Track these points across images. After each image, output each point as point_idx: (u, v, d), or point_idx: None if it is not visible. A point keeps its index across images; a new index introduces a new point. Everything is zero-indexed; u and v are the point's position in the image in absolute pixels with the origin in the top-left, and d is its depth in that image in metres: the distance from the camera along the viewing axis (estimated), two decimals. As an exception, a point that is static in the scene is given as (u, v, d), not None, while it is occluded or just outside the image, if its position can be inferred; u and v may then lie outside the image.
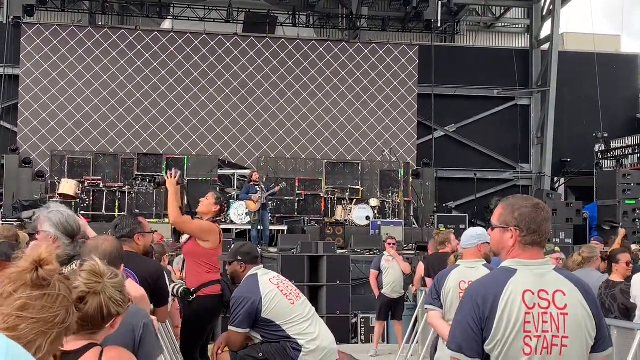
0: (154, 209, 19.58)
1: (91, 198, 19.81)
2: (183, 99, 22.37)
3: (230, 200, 18.91)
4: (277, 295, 5.60)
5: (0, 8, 21.06)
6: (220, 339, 5.81)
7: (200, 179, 20.29)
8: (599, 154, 22.66)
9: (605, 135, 22.12)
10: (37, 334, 2.01)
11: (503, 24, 27.88)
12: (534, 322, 2.89)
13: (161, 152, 21.48)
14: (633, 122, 25.44)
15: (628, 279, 6.98)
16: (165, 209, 7.27)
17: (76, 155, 21.04)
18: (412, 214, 21.57)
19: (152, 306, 5.02)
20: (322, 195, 21.30)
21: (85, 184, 19.72)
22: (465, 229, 6.63)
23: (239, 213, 18.10)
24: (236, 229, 18.41)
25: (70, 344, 2.66)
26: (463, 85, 24.28)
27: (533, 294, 2.92)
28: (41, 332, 2.02)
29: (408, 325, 11.43)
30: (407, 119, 23.44)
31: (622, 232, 10.85)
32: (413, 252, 16.26)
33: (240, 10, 23.22)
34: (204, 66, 22.56)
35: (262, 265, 5.98)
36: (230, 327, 5.61)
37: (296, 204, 21.27)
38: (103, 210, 19.46)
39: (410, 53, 23.70)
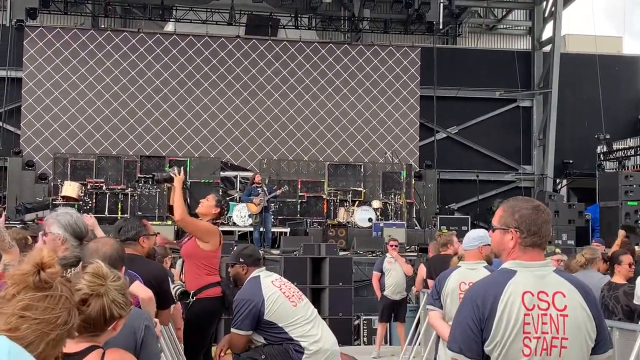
0: (156, 211, 19.59)
1: (94, 200, 19.83)
2: (185, 101, 22.41)
3: (232, 203, 18.94)
4: (280, 297, 5.61)
5: (3, 11, 21.10)
6: (223, 342, 5.82)
7: (203, 181, 20.31)
8: (601, 155, 22.64)
9: (607, 136, 22.12)
10: (39, 335, 2.03)
11: (505, 26, 27.88)
12: (533, 323, 2.90)
13: (164, 154, 21.51)
14: (635, 124, 25.43)
15: (630, 280, 6.97)
16: (168, 210, 7.22)
17: (79, 157, 21.05)
18: (415, 216, 21.57)
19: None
20: (324, 197, 21.29)
21: (88, 187, 19.75)
22: (467, 231, 6.66)
23: (242, 215, 18.12)
24: (238, 231, 18.42)
25: (72, 346, 2.67)
26: (465, 87, 24.28)
27: (532, 295, 2.94)
28: (43, 333, 2.04)
29: (410, 326, 11.44)
30: (409, 120, 23.45)
31: (621, 233, 10.83)
32: (415, 254, 16.27)
33: (242, 12, 23.24)
34: (206, 68, 22.59)
35: (264, 268, 5.99)
36: (232, 330, 5.62)
37: (298, 206, 21.26)
38: (106, 213, 19.46)
39: (412, 55, 23.72)
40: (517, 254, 3.08)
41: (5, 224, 6.35)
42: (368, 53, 23.51)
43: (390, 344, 13.39)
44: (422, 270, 10.74)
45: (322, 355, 5.57)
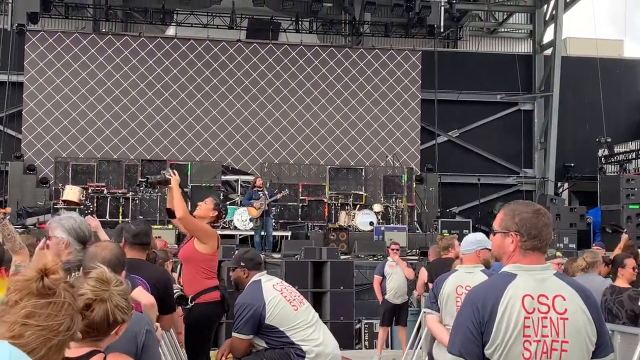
0: (157, 215, 19.58)
1: (95, 204, 19.82)
2: (186, 105, 22.43)
3: (233, 207, 18.93)
4: (281, 301, 5.60)
5: (4, 15, 21.13)
6: (224, 346, 5.82)
7: (204, 184, 20.31)
8: (603, 158, 22.64)
9: (609, 140, 22.11)
10: (42, 341, 2.04)
11: (506, 29, 27.88)
12: (533, 326, 2.90)
13: (165, 158, 21.51)
14: (636, 127, 25.41)
15: (633, 284, 6.96)
16: (167, 214, 7.19)
17: (80, 161, 21.06)
18: (416, 220, 21.54)
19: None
20: (325, 200, 21.28)
21: (89, 191, 19.75)
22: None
23: (242, 219, 18.11)
24: (239, 235, 18.40)
25: (73, 350, 2.67)
26: (466, 91, 24.29)
27: (533, 298, 2.94)
28: (46, 339, 2.04)
29: (412, 330, 11.42)
30: (411, 124, 23.46)
31: (624, 237, 10.82)
32: (416, 257, 16.26)
33: (243, 16, 23.27)
34: (207, 72, 22.61)
35: (265, 272, 5.98)
36: (234, 334, 5.61)
37: (300, 210, 21.25)
38: (107, 217, 19.45)
39: (413, 59, 23.74)
40: (517, 257, 3.09)
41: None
42: (369, 57, 23.53)
43: (391, 348, 13.39)
44: (423, 274, 10.73)
45: (323, 359, 5.57)
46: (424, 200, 21.75)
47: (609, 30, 51.90)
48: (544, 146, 24.28)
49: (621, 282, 6.94)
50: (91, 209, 19.41)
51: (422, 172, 22.83)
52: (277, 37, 23.63)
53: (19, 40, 21.33)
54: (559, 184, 24.33)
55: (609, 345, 3.06)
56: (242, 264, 5.86)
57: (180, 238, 14.56)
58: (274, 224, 18.23)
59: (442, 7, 21.81)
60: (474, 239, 5.81)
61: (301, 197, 21.27)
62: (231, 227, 18.36)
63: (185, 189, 19.83)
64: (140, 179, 7.06)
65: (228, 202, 19.90)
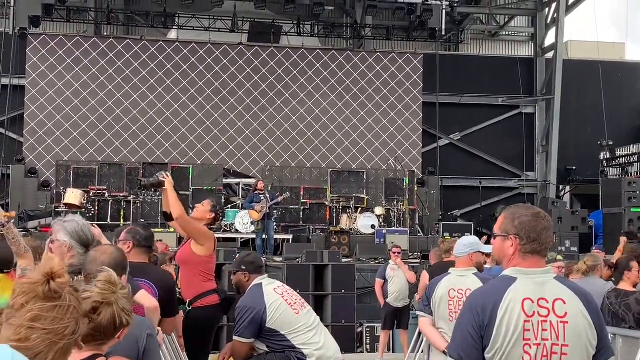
0: (159, 218, 19.57)
1: (96, 208, 19.83)
2: (188, 108, 22.44)
3: (235, 210, 18.94)
4: (282, 305, 5.59)
5: (6, 19, 21.17)
6: (225, 349, 5.81)
7: (206, 188, 20.32)
8: (604, 161, 22.61)
9: (610, 143, 22.10)
10: (47, 345, 2.04)
11: (507, 33, 27.89)
12: (533, 330, 2.90)
13: (166, 161, 21.52)
14: (638, 130, 25.39)
15: (636, 286, 6.94)
16: (163, 216, 7.18)
17: (81, 165, 21.08)
18: (417, 223, 21.54)
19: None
20: (327, 203, 21.28)
21: (91, 194, 19.75)
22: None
23: (244, 222, 18.12)
24: (241, 238, 18.41)
25: (75, 354, 2.67)
26: (468, 94, 24.29)
27: (532, 302, 2.94)
28: (52, 343, 2.05)
29: (413, 334, 11.40)
30: (412, 127, 23.46)
31: (623, 240, 10.81)
32: (418, 260, 16.25)
33: (245, 19, 23.30)
34: (209, 75, 22.63)
35: (266, 275, 5.97)
36: (235, 337, 5.60)
37: (301, 213, 21.26)
38: (108, 220, 19.47)
39: (415, 62, 23.75)
40: (517, 260, 3.09)
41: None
42: (370, 60, 23.54)
43: (393, 352, 13.35)
44: (425, 277, 10.68)
45: (324, 362, 5.56)
46: (425, 203, 21.75)
47: (611, 33, 51.85)
48: (546, 149, 24.28)
49: (626, 285, 6.90)
50: (93, 212, 19.43)
51: (423, 175, 22.84)
52: (279, 40, 23.65)
53: (20, 43, 21.39)
54: (561, 187, 24.31)
55: (610, 349, 3.06)
56: (243, 267, 5.86)
57: (181, 241, 14.55)
58: (275, 227, 18.22)
59: (444, 11, 21.84)
60: (466, 242, 5.83)
61: (303, 200, 21.27)
62: (233, 231, 18.37)
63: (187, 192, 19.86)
64: (140, 183, 7.04)
65: (229, 206, 19.95)
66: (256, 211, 16.92)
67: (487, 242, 5.78)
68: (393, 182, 21.81)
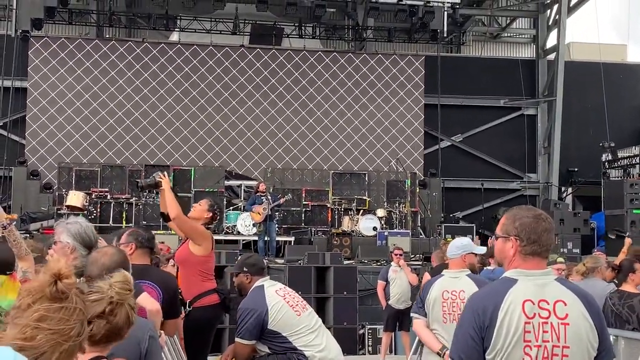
0: (161, 220, 19.54)
1: (98, 210, 19.83)
2: (190, 111, 22.46)
3: (236, 212, 18.94)
4: (284, 306, 5.60)
5: (8, 21, 21.20)
6: (227, 351, 5.81)
7: (207, 190, 20.31)
8: (606, 163, 22.60)
9: (612, 144, 22.07)
10: (53, 345, 2.05)
11: (509, 34, 27.87)
12: (534, 331, 2.91)
13: (168, 163, 21.53)
14: (640, 132, 25.40)
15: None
16: (162, 218, 7.18)
17: (83, 167, 21.09)
18: (419, 225, 21.52)
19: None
20: (328, 205, 21.27)
21: (93, 196, 19.75)
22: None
23: (246, 224, 18.11)
24: (243, 240, 18.40)
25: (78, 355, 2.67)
26: (469, 96, 24.29)
27: (533, 303, 2.94)
28: (57, 343, 2.06)
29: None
30: (414, 129, 23.47)
31: (628, 241, 10.78)
32: (420, 262, 16.24)
33: (246, 22, 23.31)
34: (210, 78, 22.65)
35: (268, 277, 5.98)
36: (236, 339, 5.61)
37: (303, 215, 21.24)
38: (110, 222, 19.47)
39: (417, 63, 23.75)
40: (517, 262, 3.10)
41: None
42: (372, 62, 23.55)
43: (395, 353, 13.35)
44: (427, 279, 10.70)
45: (326, 364, 5.56)
46: (427, 205, 21.74)
47: (612, 35, 51.90)
48: (548, 151, 24.27)
49: (629, 287, 6.89)
50: (95, 214, 19.44)
51: (425, 177, 22.83)
52: (280, 42, 23.67)
53: (22, 46, 21.43)
54: (563, 189, 24.30)
55: (611, 351, 3.06)
56: (245, 269, 5.86)
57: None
58: (277, 229, 18.22)
59: (445, 12, 21.83)
60: (459, 244, 5.85)
61: (304, 202, 21.26)
62: (234, 233, 18.37)
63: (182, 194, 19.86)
64: (137, 184, 7.02)
65: (231, 208, 19.94)
66: (257, 213, 16.92)
67: (484, 244, 5.78)
68: (395, 184, 21.81)
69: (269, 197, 17.04)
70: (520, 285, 3.00)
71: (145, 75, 22.36)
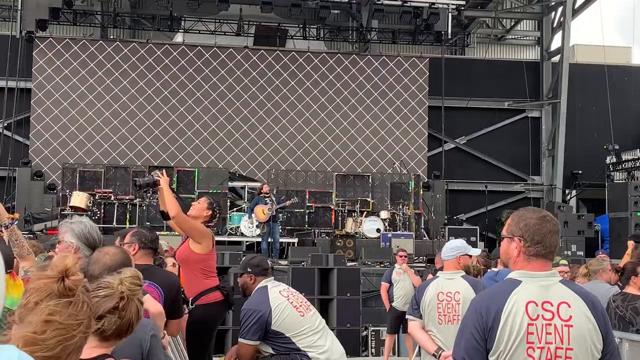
0: (164, 221, 19.55)
1: (102, 211, 19.87)
2: (194, 112, 22.47)
3: (240, 213, 18.94)
4: (287, 307, 5.59)
5: (13, 22, 21.25)
6: (231, 352, 5.80)
7: (211, 191, 20.32)
8: (610, 166, 22.58)
9: (617, 147, 22.05)
10: (61, 340, 2.05)
11: (513, 36, 27.86)
12: (537, 333, 2.90)
13: (172, 164, 21.54)
14: (644, 134, 25.36)
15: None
16: (161, 217, 7.17)
17: (87, 168, 21.13)
18: (423, 227, 21.52)
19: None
20: (332, 207, 21.29)
21: (97, 197, 19.80)
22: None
23: (249, 225, 18.11)
24: (246, 241, 18.41)
25: (85, 351, 2.66)
26: (473, 98, 24.26)
27: (537, 305, 2.93)
28: (65, 339, 2.06)
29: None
30: (418, 131, 23.45)
31: (631, 244, 10.76)
32: (423, 264, 16.22)
33: (251, 23, 23.33)
34: (214, 79, 22.67)
35: (272, 278, 5.97)
36: (240, 340, 5.60)
37: (306, 217, 21.25)
38: (114, 223, 19.50)
39: (421, 65, 23.74)
40: (522, 263, 3.09)
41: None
42: (376, 63, 23.54)
43: (398, 355, 13.34)
44: (430, 280, 10.68)
45: (329, 365, 5.55)
46: (431, 207, 21.73)
47: (617, 38, 51.75)
48: (552, 153, 24.24)
49: (633, 290, 6.88)
50: (98, 215, 19.46)
51: (429, 179, 22.82)
52: (285, 43, 23.67)
53: (27, 47, 21.47)
54: (567, 191, 24.26)
55: (616, 354, 3.04)
56: (248, 269, 5.86)
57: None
58: (280, 230, 18.22)
59: (450, 14, 21.85)
60: (454, 246, 5.85)
61: (308, 204, 21.27)
62: (238, 234, 18.38)
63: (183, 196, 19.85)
64: (135, 183, 7.01)
65: (235, 209, 19.95)
66: (262, 212, 16.94)
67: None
68: (398, 186, 21.81)
69: (273, 199, 17.04)
70: (524, 286, 2.99)
71: (149, 76, 22.38)
